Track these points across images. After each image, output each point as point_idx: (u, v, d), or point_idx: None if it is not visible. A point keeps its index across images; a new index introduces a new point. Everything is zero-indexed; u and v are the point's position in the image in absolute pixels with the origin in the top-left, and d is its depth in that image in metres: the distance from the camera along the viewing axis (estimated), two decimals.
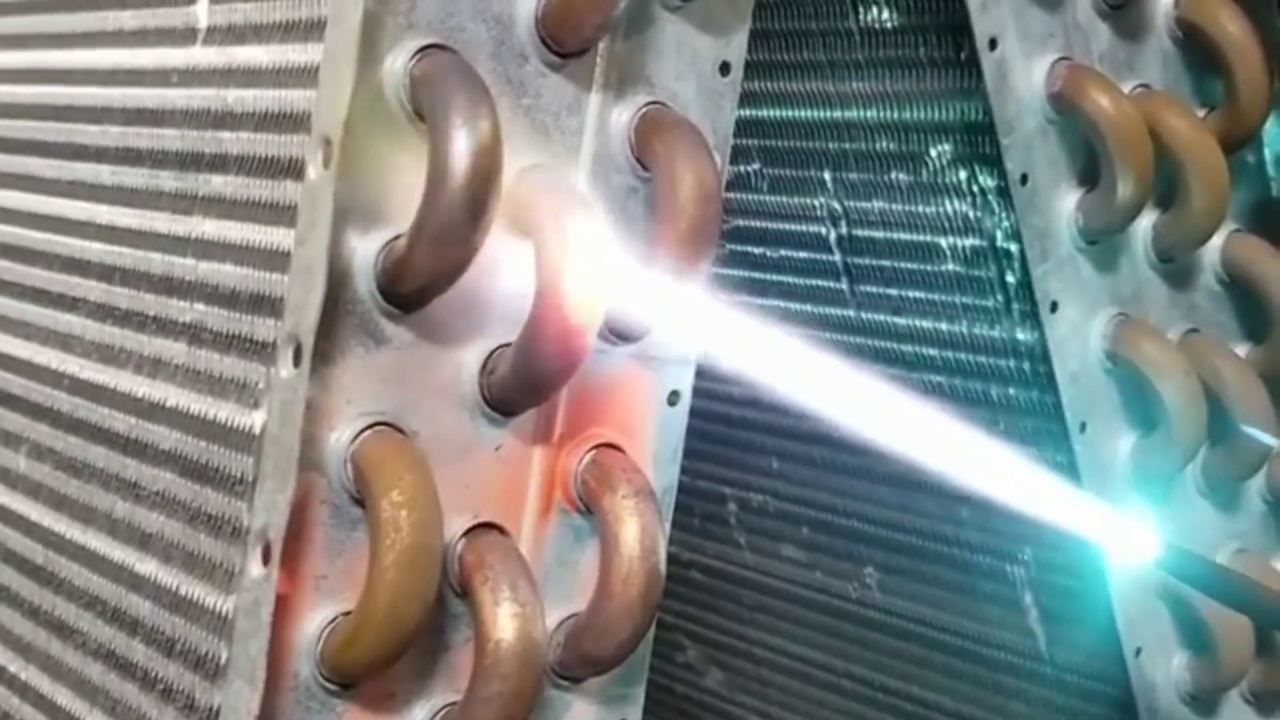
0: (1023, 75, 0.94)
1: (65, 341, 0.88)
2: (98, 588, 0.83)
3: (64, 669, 0.85)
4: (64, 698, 0.84)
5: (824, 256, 1.14)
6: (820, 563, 1.31)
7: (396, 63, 0.69)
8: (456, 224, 0.66)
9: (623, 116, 0.76)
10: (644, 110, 0.76)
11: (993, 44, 0.93)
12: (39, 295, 0.92)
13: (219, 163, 0.77)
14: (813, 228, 1.13)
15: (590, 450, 0.76)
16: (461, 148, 0.66)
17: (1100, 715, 1.14)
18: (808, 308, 1.17)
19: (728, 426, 1.30)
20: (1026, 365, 1.03)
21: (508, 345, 0.72)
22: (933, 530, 1.18)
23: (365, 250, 0.69)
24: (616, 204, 0.76)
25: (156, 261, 0.81)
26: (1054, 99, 0.95)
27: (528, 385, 0.72)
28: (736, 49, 0.79)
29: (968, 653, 1.21)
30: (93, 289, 0.86)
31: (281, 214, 0.72)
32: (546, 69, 0.73)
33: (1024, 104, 0.94)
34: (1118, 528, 0.90)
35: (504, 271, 0.71)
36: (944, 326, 1.07)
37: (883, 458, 1.06)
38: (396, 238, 0.69)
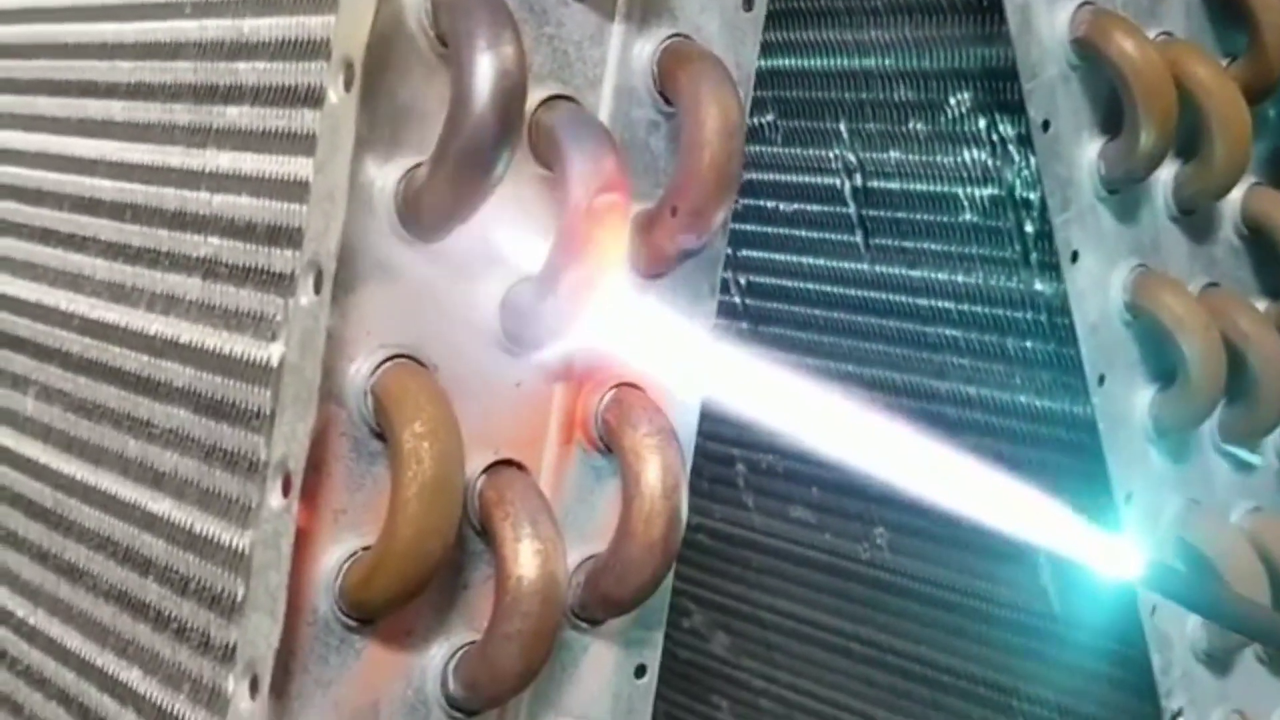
0: (1046, 20, 0.93)
1: (74, 281, 0.87)
2: (109, 529, 0.81)
3: (74, 612, 0.84)
4: (74, 641, 0.83)
5: (838, 209, 1.13)
6: (830, 524, 1.30)
7: None
8: (481, 149, 0.65)
9: (645, 49, 0.74)
10: (667, 43, 0.75)
11: None
12: (47, 235, 0.91)
13: (234, 94, 0.76)
14: (827, 180, 1.12)
15: (611, 389, 0.75)
16: (486, 72, 0.64)
17: (1113, 673, 1.13)
18: (821, 262, 1.16)
19: None
20: (1044, 317, 1.02)
21: (529, 278, 0.71)
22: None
23: (385, 178, 0.68)
24: (638, 138, 0.75)
25: (170, 197, 0.79)
26: (1077, 44, 0.94)
27: (547, 321, 0.70)
28: None
29: (979, 613, 1.20)
30: (103, 227, 0.85)
31: (299, 143, 0.71)
32: None
33: (1047, 49, 0.93)
34: (1103, 544, 0.88)
35: (524, 203, 0.70)
36: (960, 279, 1.06)
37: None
38: (417, 165, 0.67)
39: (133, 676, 0.78)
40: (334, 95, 0.66)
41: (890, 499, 1.23)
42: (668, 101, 0.75)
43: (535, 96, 0.70)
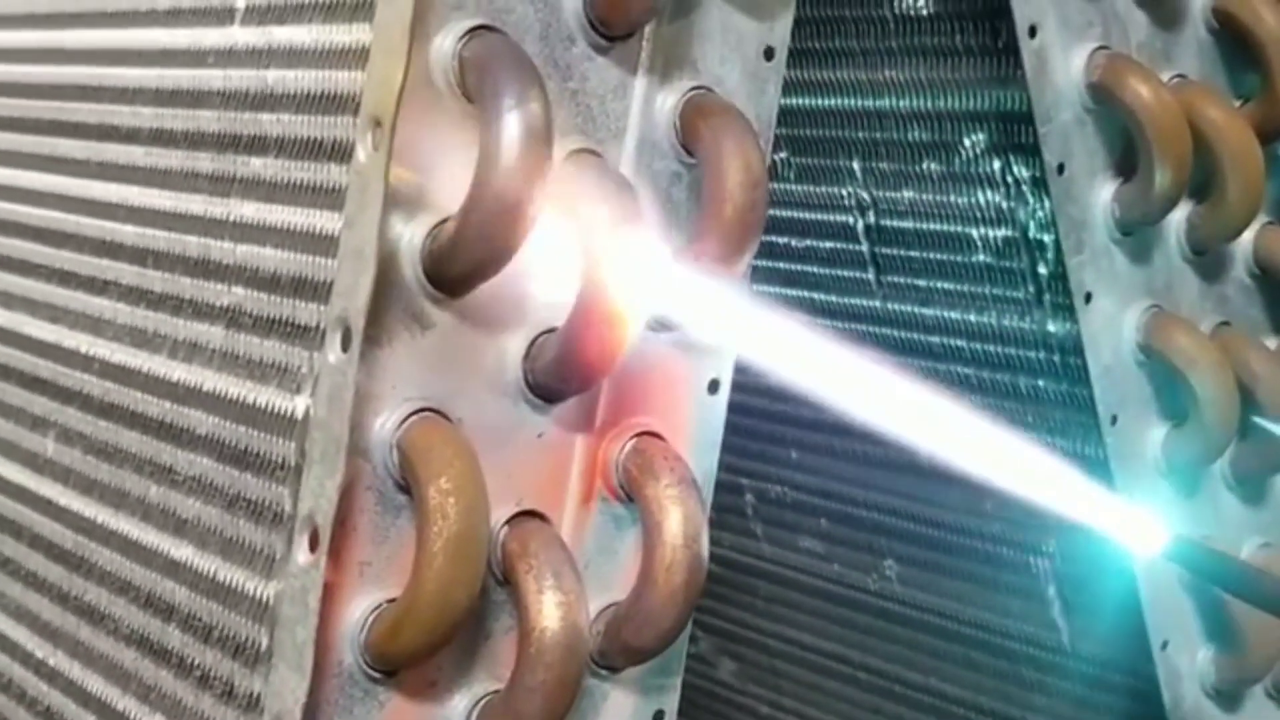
0: (1061, 64, 0.93)
1: (95, 325, 0.87)
2: (130, 573, 0.82)
3: (95, 655, 0.84)
4: (95, 684, 0.83)
5: (850, 246, 1.13)
6: (839, 554, 1.31)
7: (445, 43, 0.68)
8: (508, 206, 0.65)
9: (668, 101, 0.75)
10: (689, 95, 0.75)
11: (1032, 31, 0.92)
12: (67, 278, 0.91)
13: (258, 144, 0.76)
14: (840, 217, 1.13)
15: (632, 438, 0.75)
16: (514, 129, 0.65)
17: (1121, 707, 1.14)
18: (832, 298, 1.16)
19: (746, 416, 1.29)
20: (1057, 357, 1.03)
21: (551, 331, 0.71)
22: (956, 522, 1.18)
23: (411, 234, 0.68)
24: (660, 190, 0.75)
25: (193, 244, 0.80)
26: (1093, 88, 0.94)
27: (572, 373, 0.71)
28: (780, 34, 0.78)
29: (988, 645, 1.20)
30: (124, 271, 0.85)
31: (325, 197, 0.71)
32: (593, 52, 0.72)
33: (1062, 93, 0.94)
34: (1127, 517, 0.89)
35: (547, 257, 0.70)
36: (973, 318, 1.07)
37: (906, 449, 1.06)
38: (443, 221, 0.68)
39: None
40: (363, 154, 0.66)
41: (901, 531, 1.24)
42: (689, 153, 0.75)
43: (559, 151, 0.70)
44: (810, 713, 1.41)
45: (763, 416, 1.28)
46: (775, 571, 1.38)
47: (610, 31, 0.72)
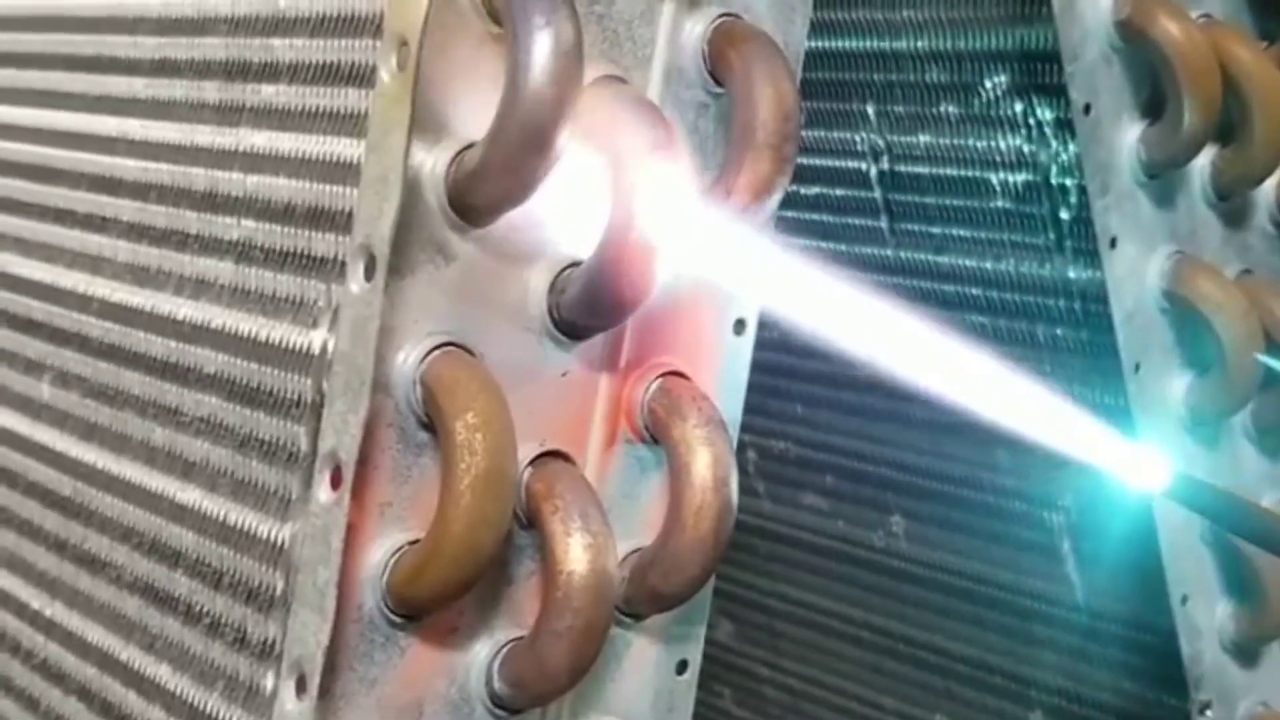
0: (1089, 1, 0.91)
1: (94, 263, 0.84)
2: (132, 518, 0.79)
3: (95, 604, 0.81)
4: (95, 634, 0.81)
5: (863, 193, 1.11)
6: (843, 511, 1.29)
7: None
8: (537, 130, 0.62)
9: (696, 28, 0.72)
10: (718, 22, 0.72)
11: None
12: (62, 215, 0.88)
13: (270, 71, 0.73)
14: (852, 163, 1.10)
15: (657, 378, 0.73)
16: (544, 49, 0.62)
17: (1134, 663, 1.12)
18: (843, 247, 1.14)
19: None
20: (1077, 304, 1.01)
21: (577, 264, 0.68)
22: (967, 476, 1.16)
23: (434, 161, 0.65)
24: (687, 120, 0.72)
25: (199, 176, 0.77)
26: (1121, 25, 0.92)
27: (600, 308, 0.68)
28: None
29: (998, 602, 1.19)
30: (124, 208, 0.82)
31: (342, 123, 0.68)
32: None
33: (1090, 31, 0.91)
34: (1128, 455, 0.87)
35: (575, 186, 0.67)
36: (989, 265, 1.05)
37: (915, 402, 1.03)
38: (468, 147, 0.65)
39: (161, 672, 0.75)
40: (386, 75, 0.64)
41: (909, 486, 1.22)
42: (718, 82, 0.72)
43: (585, 77, 0.67)
44: (810, 673, 1.39)
45: (766, 370, 1.25)
46: (776, 530, 1.36)
47: None
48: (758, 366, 1.25)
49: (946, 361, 0.82)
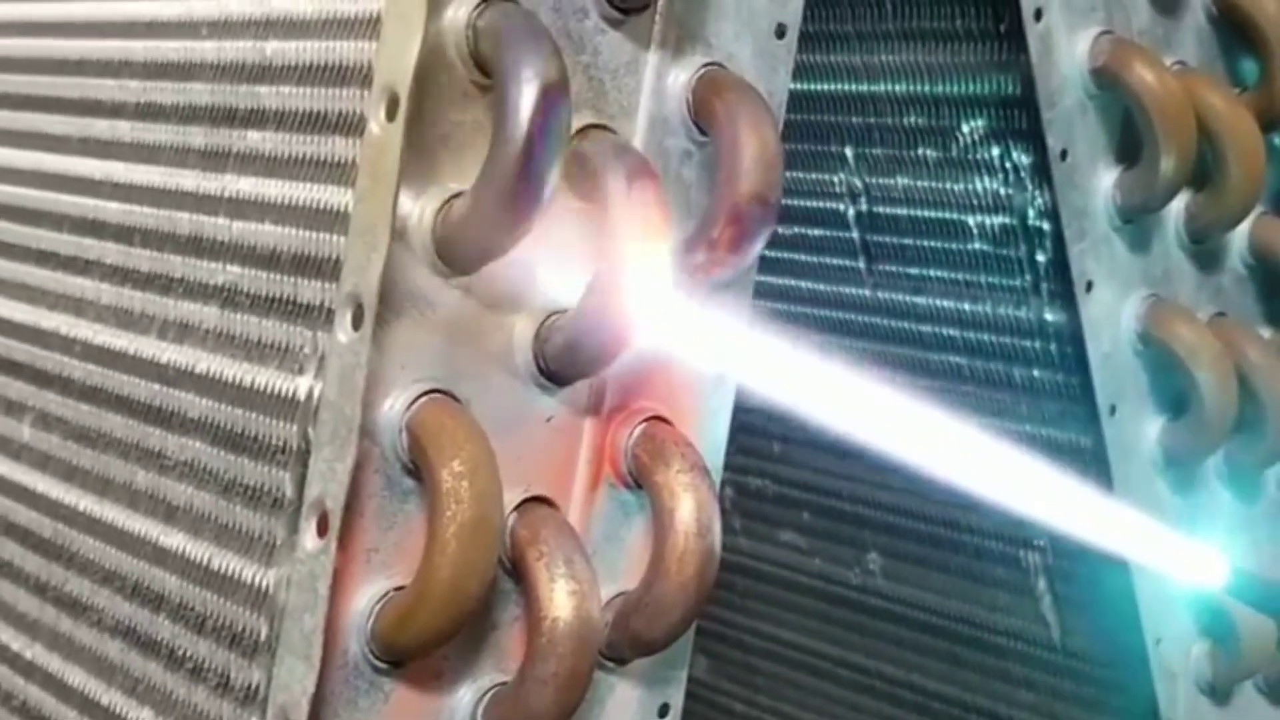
0: (1066, 48, 0.92)
1: (77, 306, 0.84)
2: (115, 562, 0.79)
3: (76, 647, 0.81)
4: (76, 677, 0.80)
5: (841, 234, 1.11)
6: (821, 549, 1.29)
7: (458, 14, 0.66)
8: (525, 180, 0.63)
9: (680, 77, 0.73)
10: (702, 71, 0.73)
11: (1038, 15, 0.91)
12: (45, 258, 0.88)
13: (256, 117, 0.73)
14: (830, 204, 1.11)
15: (641, 423, 0.73)
16: (532, 100, 0.62)
17: (1110, 703, 1.12)
18: (821, 286, 1.14)
19: None
20: (1053, 346, 1.02)
21: (562, 312, 0.69)
22: (943, 515, 1.16)
23: (421, 210, 0.66)
24: (671, 168, 0.73)
25: (183, 221, 0.77)
26: (1097, 73, 0.93)
27: (584, 356, 0.69)
28: (793, 11, 0.76)
29: (974, 640, 1.19)
30: (108, 250, 0.82)
31: (329, 170, 0.69)
32: (606, 25, 0.70)
33: (1067, 78, 0.93)
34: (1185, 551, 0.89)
35: (559, 235, 0.68)
36: (966, 306, 1.05)
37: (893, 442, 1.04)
38: (456, 195, 0.65)
39: (143, 716, 0.75)
40: (376, 125, 0.64)
41: (886, 524, 1.22)
42: (701, 131, 0.73)
43: (572, 126, 0.68)
44: (787, 709, 1.39)
45: (743, 407, 1.26)
46: (752, 566, 1.36)
47: (624, 4, 0.70)
48: (734, 403, 1.26)
49: (927, 431, 0.83)
